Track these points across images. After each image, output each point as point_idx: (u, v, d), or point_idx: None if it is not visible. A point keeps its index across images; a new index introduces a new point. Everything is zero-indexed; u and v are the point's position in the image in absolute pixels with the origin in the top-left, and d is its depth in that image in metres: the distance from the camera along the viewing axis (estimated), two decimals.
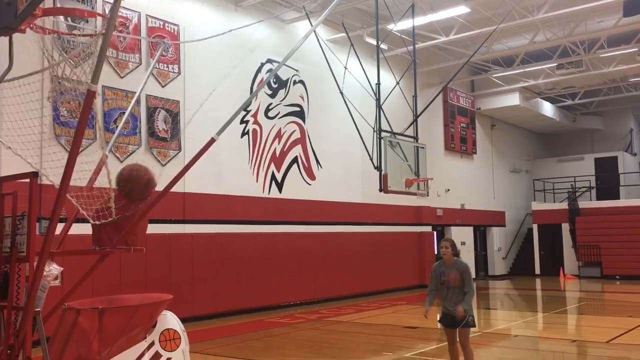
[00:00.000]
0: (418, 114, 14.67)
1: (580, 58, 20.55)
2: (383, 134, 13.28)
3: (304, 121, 17.00)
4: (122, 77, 12.36)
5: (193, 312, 12.70)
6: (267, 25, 15.39)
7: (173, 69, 13.47)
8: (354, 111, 14.43)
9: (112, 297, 5.98)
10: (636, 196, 27.31)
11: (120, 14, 12.04)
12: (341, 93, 14.29)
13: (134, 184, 5.19)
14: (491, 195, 26.69)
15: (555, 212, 26.49)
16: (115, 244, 5.03)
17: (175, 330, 5.37)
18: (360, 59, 14.79)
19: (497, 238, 26.68)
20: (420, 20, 16.73)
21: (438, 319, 8.04)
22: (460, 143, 24.08)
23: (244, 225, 14.76)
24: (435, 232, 22.14)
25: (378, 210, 18.99)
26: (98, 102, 11.12)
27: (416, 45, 15.82)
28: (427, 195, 15.07)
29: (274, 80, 16.16)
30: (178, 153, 13.28)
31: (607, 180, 28.94)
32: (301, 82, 17.01)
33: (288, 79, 16.60)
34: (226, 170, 14.45)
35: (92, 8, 11.83)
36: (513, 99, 24.96)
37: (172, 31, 13.54)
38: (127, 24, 12.63)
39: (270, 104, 16.00)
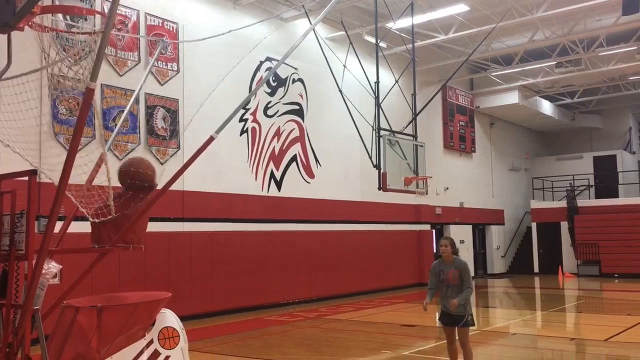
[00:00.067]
0: (417, 112, 14.68)
1: (579, 56, 20.56)
2: (382, 132, 13.29)
3: (303, 119, 17.00)
4: (121, 76, 12.35)
5: (192, 310, 12.71)
6: (266, 23, 15.37)
7: (172, 67, 13.46)
8: (353, 109, 14.43)
9: (111, 295, 5.98)
10: (635, 195, 27.32)
11: (119, 12, 12.03)
12: (340, 91, 14.30)
13: (137, 167, 5.27)
14: (490, 194, 26.70)
15: (554, 211, 26.51)
16: (115, 242, 5.02)
17: (174, 328, 5.37)
18: (359, 57, 14.78)
19: (496, 236, 26.70)
20: (420, 19, 16.73)
21: (437, 317, 8.05)
22: (459, 141, 24.09)
23: (243, 224, 14.76)
24: (434, 231, 22.16)
25: (377, 208, 19.00)
26: (97, 100, 11.11)
27: (415, 44, 15.83)
28: (426, 194, 15.07)
29: (273, 78, 16.16)
30: (177, 151, 13.28)
31: (606, 178, 28.97)
32: (300, 80, 17.01)
33: (287, 77, 16.60)
34: (225, 168, 14.45)
35: (91, 6, 11.83)
36: (512, 98, 24.97)
37: (171, 29, 13.54)
38: (126, 22, 12.63)
39: (270, 102, 16.00)
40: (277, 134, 16.14)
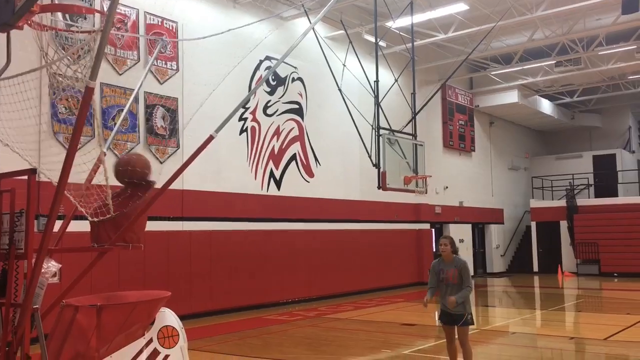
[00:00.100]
0: (416, 111, 14.68)
1: (578, 55, 20.56)
2: (381, 132, 13.29)
3: (302, 118, 16.99)
4: (120, 74, 12.34)
5: (191, 309, 12.71)
6: (266, 22, 15.35)
7: (171, 66, 13.45)
8: (352, 108, 14.44)
9: (110, 294, 5.98)
10: (634, 194, 27.32)
11: (118, 10, 12.01)
12: (340, 90, 14.30)
13: (134, 166, 5.28)
14: (489, 193, 26.71)
15: (553, 210, 26.51)
16: (114, 241, 5.02)
17: (174, 327, 5.38)
18: (358, 56, 14.78)
19: (496, 235, 26.71)
20: (419, 18, 16.71)
21: (437, 316, 8.05)
22: (458, 140, 24.09)
23: (243, 223, 14.76)
24: (433, 230, 22.16)
25: (376, 207, 19.00)
26: (96, 99, 11.10)
27: (415, 43, 15.83)
28: (426, 193, 15.09)
29: (273, 77, 16.16)
30: (176, 150, 13.27)
31: (605, 177, 28.97)
32: (300, 79, 17.00)
33: (286, 76, 16.59)
34: (225, 167, 14.45)
35: (90, 5, 11.82)
36: (511, 97, 24.96)
37: (171, 28, 13.52)
38: (126, 21, 12.62)
39: (269, 101, 15.99)
40: (277, 133, 16.13)
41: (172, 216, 13.07)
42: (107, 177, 5.06)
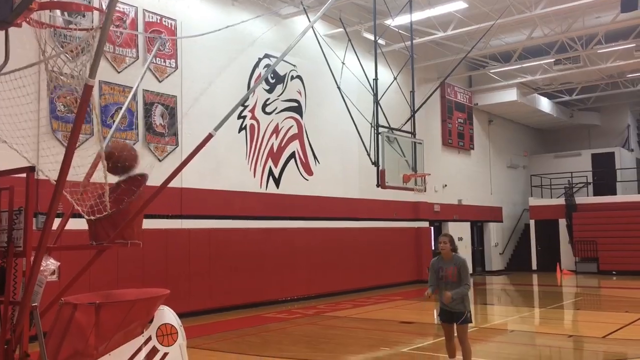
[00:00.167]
0: (415, 109, 14.66)
1: (577, 54, 20.56)
2: (380, 130, 13.27)
3: (301, 116, 16.98)
4: (119, 72, 12.33)
5: (190, 307, 12.70)
6: (264, 20, 15.35)
7: (170, 63, 13.43)
8: (351, 106, 14.42)
9: (109, 292, 5.97)
10: (633, 192, 27.37)
11: (117, 8, 12.00)
12: (339, 88, 14.28)
13: (121, 151, 5.29)
14: (488, 191, 26.72)
15: (552, 208, 26.53)
16: (113, 238, 5.02)
17: (173, 325, 5.37)
18: (357, 54, 14.77)
19: (494, 233, 26.73)
20: (418, 16, 16.70)
21: (437, 314, 8.06)
22: (457, 138, 24.09)
23: (241, 221, 14.75)
24: (432, 228, 22.17)
25: (375, 205, 19.00)
26: (95, 97, 11.09)
27: (414, 41, 15.80)
28: (425, 191, 15.08)
29: (272, 75, 16.14)
30: (175, 148, 13.26)
31: (604, 176, 28.96)
32: (299, 77, 16.99)
33: (285, 74, 16.58)
34: (223, 165, 14.44)
35: (89, 2, 11.79)
36: (510, 95, 24.97)
37: (170, 26, 13.50)
38: (124, 19, 12.60)
39: (268, 99, 15.98)
40: (276, 131, 16.12)
41: (170, 214, 13.06)
42: (106, 175, 5.06)
